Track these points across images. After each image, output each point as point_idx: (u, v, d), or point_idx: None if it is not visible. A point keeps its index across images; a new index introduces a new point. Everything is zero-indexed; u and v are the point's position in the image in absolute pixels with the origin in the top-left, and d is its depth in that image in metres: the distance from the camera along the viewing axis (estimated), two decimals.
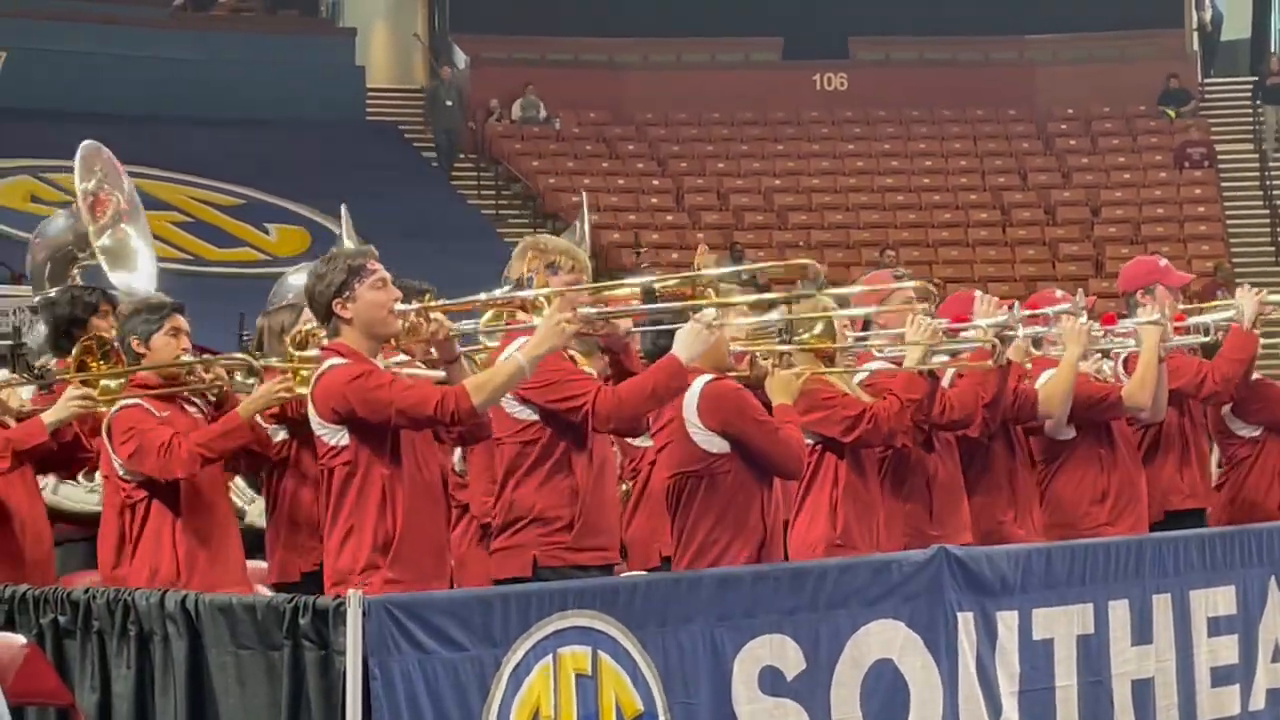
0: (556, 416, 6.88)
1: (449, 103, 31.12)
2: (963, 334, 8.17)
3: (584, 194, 10.90)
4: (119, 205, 10.19)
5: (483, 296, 7.18)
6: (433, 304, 6.87)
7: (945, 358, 8.16)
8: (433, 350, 7.04)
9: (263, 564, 7.99)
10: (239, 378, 7.66)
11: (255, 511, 8.78)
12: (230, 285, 21.39)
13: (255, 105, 30.19)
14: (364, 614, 5.90)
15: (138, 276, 10.30)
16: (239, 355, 7.95)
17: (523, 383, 6.66)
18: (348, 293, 6.67)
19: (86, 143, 10.37)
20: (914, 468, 8.12)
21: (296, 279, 9.19)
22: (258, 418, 7.46)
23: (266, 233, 27.60)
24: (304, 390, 7.08)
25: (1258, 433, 9.51)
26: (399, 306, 6.70)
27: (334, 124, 30.74)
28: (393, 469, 6.54)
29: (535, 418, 6.91)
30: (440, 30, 35.04)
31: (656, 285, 7.43)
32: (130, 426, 7.39)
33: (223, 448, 7.40)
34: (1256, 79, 32.16)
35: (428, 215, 28.06)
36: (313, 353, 7.41)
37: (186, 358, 7.55)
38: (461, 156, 31.85)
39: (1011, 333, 8.13)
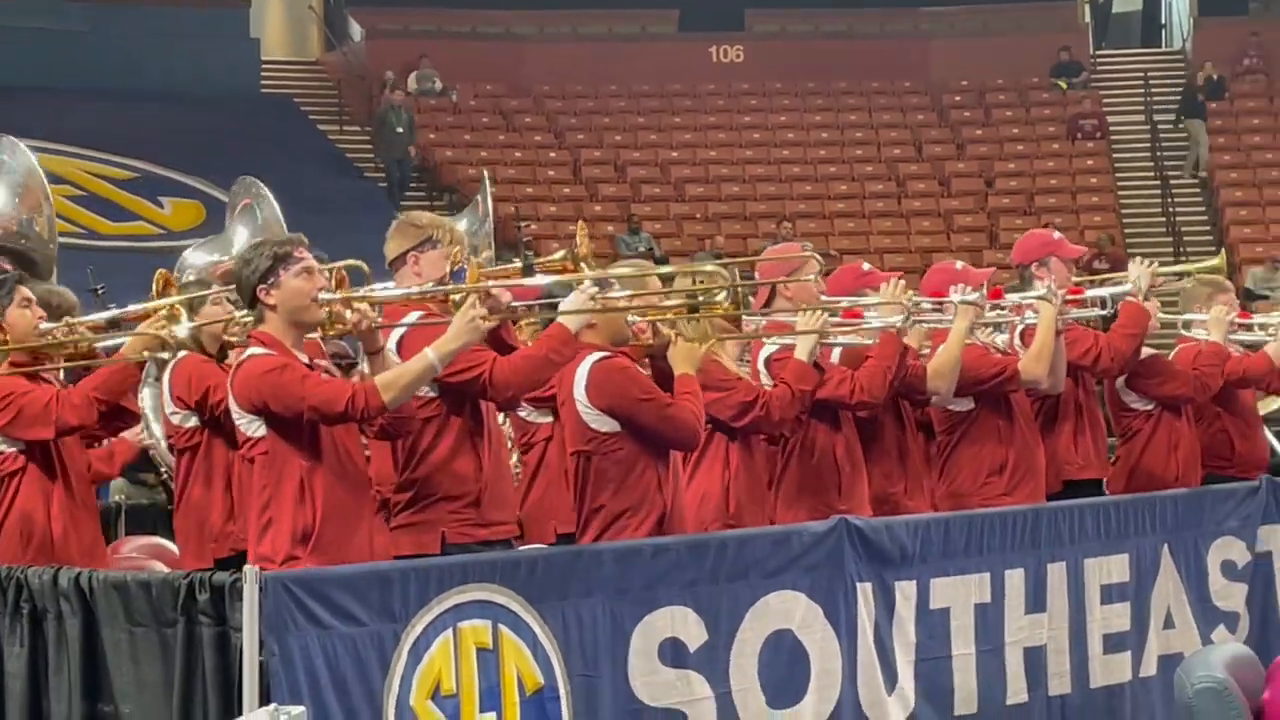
0: (455, 391, 6.86)
1: (399, 129, 29.71)
2: (858, 322, 8.19)
3: (484, 171, 10.85)
4: None
5: (414, 291, 7.12)
6: (356, 294, 6.80)
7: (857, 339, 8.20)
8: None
9: (161, 541, 7.96)
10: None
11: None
12: (124, 259, 21.17)
13: (149, 77, 29.90)
14: (261, 590, 5.87)
15: None
16: (100, 315, 7.92)
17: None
18: (272, 279, 6.61)
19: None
20: (814, 443, 8.15)
21: (195, 256, 9.14)
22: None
23: (161, 206, 27.34)
24: (179, 329, 7.34)
25: (1151, 406, 9.60)
26: (323, 295, 6.64)
27: (228, 96, 30.47)
28: (311, 460, 6.48)
29: (435, 394, 6.89)
30: (336, 2, 34.84)
31: (536, 264, 7.52)
32: (6, 394, 7.41)
33: (114, 387, 7.41)
34: (1182, 92, 32.21)
35: (323, 188, 27.87)
36: (176, 299, 7.56)
37: (44, 325, 7.51)
38: (356, 130, 31.68)
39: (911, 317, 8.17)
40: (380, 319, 6.84)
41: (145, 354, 7.50)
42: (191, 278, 8.43)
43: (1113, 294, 9.23)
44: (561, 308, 6.94)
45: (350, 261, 7.16)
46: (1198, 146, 31.08)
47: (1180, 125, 31.57)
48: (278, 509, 6.48)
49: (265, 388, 6.44)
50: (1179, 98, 32.34)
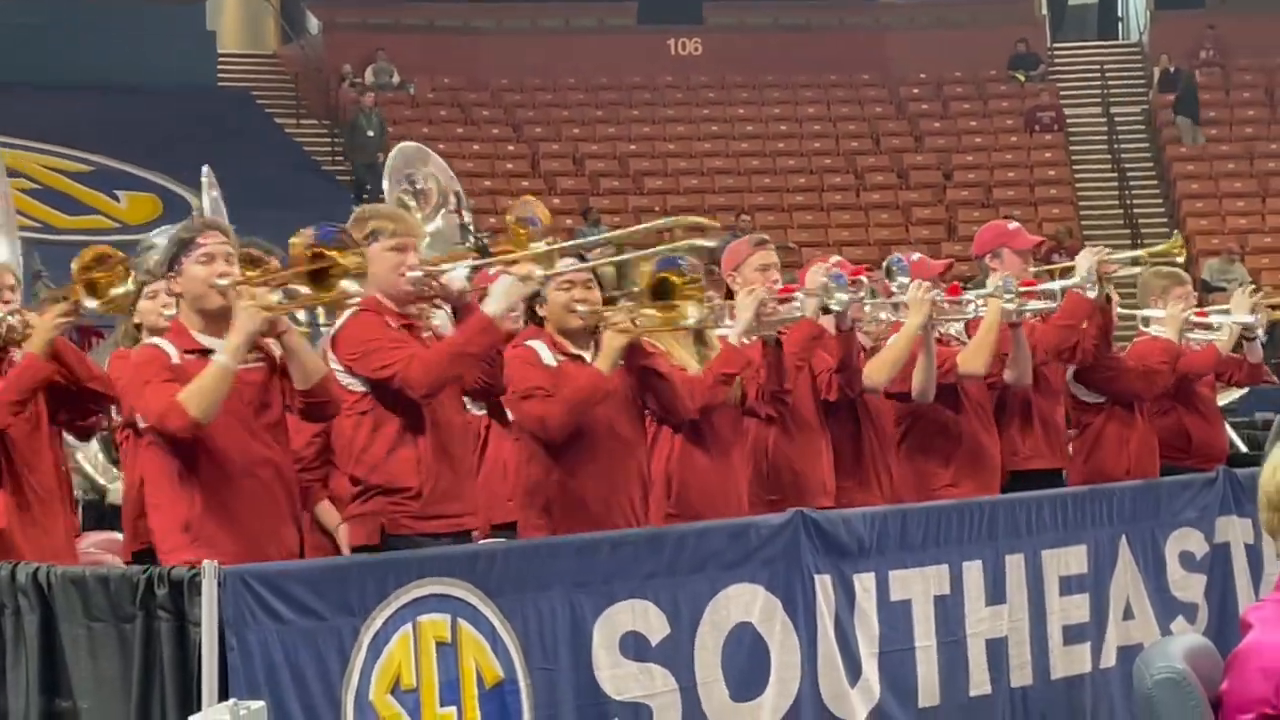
0: (380, 386, 6.83)
1: (370, 133, 29.22)
2: (792, 303, 8.12)
3: (383, 154, 10.82)
4: None
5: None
6: (253, 276, 6.60)
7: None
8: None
9: (119, 536, 7.92)
10: None
11: (116, 491, 8.66)
12: (78, 254, 21.08)
13: (105, 71, 29.75)
14: (220, 584, 5.84)
15: None
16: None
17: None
18: (177, 268, 6.57)
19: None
20: (769, 434, 8.14)
21: (160, 238, 9.11)
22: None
23: (117, 200, 27.24)
24: (89, 303, 7.35)
25: (1103, 400, 9.63)
26: (220, 282, 6.49)
27: (185, 90, 30.36)
28: (186, 453, 6.44)
29: (363, 389, 6.83)
30: None
31: (485, 245, 7.44)
32: None
33: (24, 386, 7.28)
34: (1180, 92, 32.27)
35: (281, 181, 27.79)
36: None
37: None
38: (314, 123, 31.60)
39: (841, 297, 8.11)
40: (277, 302, 6.64)
41: (58, 332, 7.35)
42: (156, 257, 8.39)
43: (1062, 286, 9.23)
44: (489, 292, 6.83)
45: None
46: (1187, 138, 31.14)
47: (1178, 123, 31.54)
48: (159, 496, 6.52)
49: (124, 388, 6.53)
50: (1144, 94, 32.40)
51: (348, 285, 6.46)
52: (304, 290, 6.47)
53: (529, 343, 7.32)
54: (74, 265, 7.59)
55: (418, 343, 6.82)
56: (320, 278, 6.45)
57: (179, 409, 6.31)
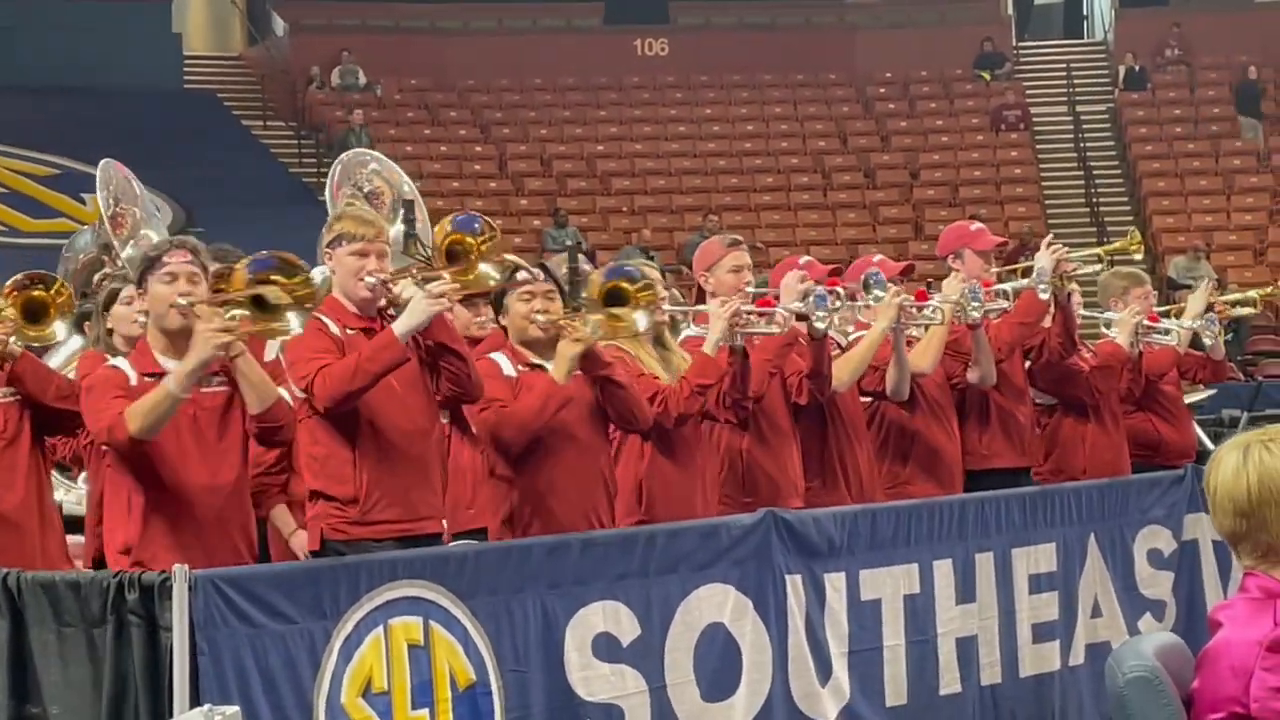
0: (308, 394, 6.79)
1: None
2: (770, 311, 8.10)
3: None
4: (136, 218, 9.95)
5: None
6: (214, 297, 6.56)
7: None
8: None
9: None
10: None
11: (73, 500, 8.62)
12: (46, 257, 20.98)
13: (71, 73, 29.65)
14: (191, 589, 5.84)
15: None
16: None
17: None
18: (144, 285, 6.57)
19: (102, 163, 10.09)
20: (720, 438, 8.14)
21: (82, 239, 9.09)
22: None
23: (83, 203, 27.07)
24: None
25: (1055, 402, 9.66)
26: (180, 301, 6.46)
27: (151, 92, 30.28)
28: (134, 472, 6.47)
29: (304, 396, 6.80)
30: None
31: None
32: None
33: None
34: (1239, 91, 32.24)
35: (248, 183, 27.77)
36: None
37: None
38: (281, 125, 31.52)
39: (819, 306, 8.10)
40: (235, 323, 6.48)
41: None
42: (84, 257, 8.37)
43: (1014, 287, 9.24)
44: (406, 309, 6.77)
45: None
46: (1255, 141, 31.12)
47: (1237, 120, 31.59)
48: (111, 517, 6.56)
49: (80, 399, 6.62)
50: (1109, 92, 32.43)
51: (292, 316, 6.40)
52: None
53: (491, 355, 7.35)
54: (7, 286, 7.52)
55: (338, 355, 6.73)
56: (263, 304, 6.40)
57: (121, 424, 6.33)
